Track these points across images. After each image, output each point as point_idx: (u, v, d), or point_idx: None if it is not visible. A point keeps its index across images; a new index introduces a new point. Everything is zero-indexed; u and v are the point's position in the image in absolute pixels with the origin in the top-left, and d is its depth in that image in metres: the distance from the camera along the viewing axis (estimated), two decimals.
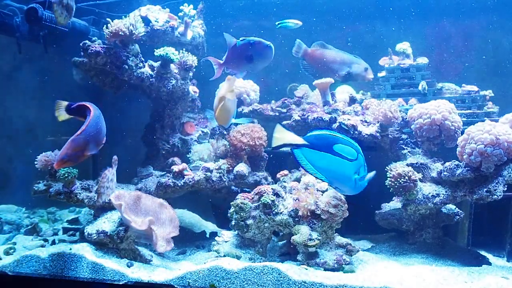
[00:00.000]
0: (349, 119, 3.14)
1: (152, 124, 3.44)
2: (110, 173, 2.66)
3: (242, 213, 2.73)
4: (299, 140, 2.32)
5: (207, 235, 3.37)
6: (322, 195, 2.75)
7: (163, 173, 3.18)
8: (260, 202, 2.74)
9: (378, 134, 3.13)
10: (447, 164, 2.78)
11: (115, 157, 2.69)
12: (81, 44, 3.09)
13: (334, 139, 2.31)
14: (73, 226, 3.42)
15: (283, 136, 2.34)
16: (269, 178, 3.22)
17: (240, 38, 2.78)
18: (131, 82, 3.26)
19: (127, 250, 2.61)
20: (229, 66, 2.90)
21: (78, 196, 2.80)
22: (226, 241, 2.81)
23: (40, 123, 3.67)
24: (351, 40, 4.13)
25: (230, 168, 3.12)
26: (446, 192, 2.76)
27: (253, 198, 2.80)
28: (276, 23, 3.20)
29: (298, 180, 3.01)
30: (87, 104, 2.38)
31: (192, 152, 3.30)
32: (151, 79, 3.22)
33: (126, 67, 3.13)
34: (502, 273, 2.50)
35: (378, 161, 3.38)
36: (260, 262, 2.62)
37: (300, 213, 2.68)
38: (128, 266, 2.43)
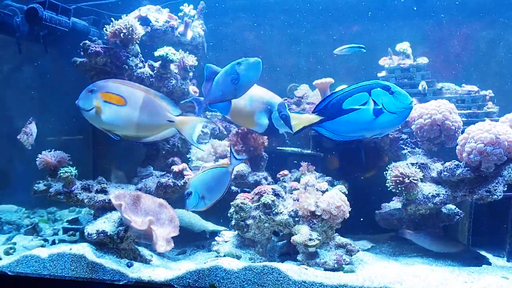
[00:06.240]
0: None
1: None
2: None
3: (242, 213, 2.73)
4: (314, 118, 2.30)
5: (207, 235, 3.36)
6: (322, 195, 2.75)
7: (163, 173, 3.17)
8: (260, 202, 2.74)
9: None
10: (447, 164, 2.77)
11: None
12: (81, 44, 3.10)
13: (340, 99, 2.26)
14: (73, 226, 3.42)
15: (300, 120, 2.32)
16: (269, 178, 3.21)
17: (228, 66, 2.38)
18: None
19: (127, 250, 2.61)
20: (214, 100, 2.48)
21: (78, 196, 2.80)
22: (226, 241, 2.81)
23: (40, 123, 3.67)
24: (350, 40, 4.12)
25: None
26: (446, 192, 2.76)
27: (253, 198, 2.80)
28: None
29: (298, 180, 3.01)
30: None
31: (192, 152, 3.30)
32: (151, 79, 3.22)
33: (126, 67, 3.13)
34: (502, 273, 2.49)
35: (378, 161, 3.40)
36: (260, 262, 2.62)
37: (300, 213, 2.68)
38: (128, 266, 2.43)
